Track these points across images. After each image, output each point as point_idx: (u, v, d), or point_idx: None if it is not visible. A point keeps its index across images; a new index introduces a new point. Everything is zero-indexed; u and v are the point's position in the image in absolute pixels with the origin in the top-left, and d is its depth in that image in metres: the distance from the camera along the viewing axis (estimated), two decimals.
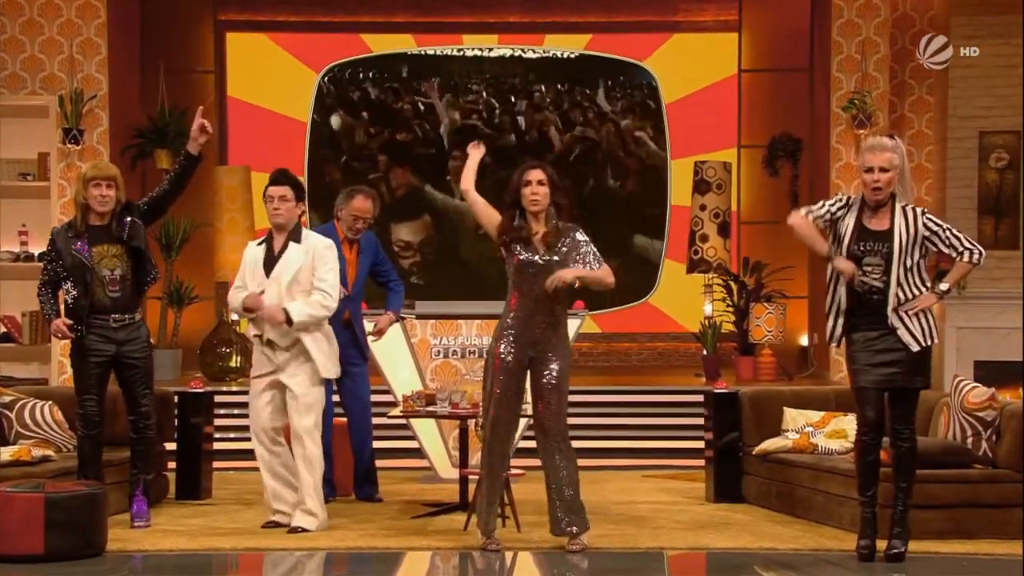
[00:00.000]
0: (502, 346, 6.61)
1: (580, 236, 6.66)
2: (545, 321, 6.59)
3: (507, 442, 6.74)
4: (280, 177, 7.27)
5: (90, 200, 7.18)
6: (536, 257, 6.58)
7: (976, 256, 6.40)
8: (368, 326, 8.22)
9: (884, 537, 6.42)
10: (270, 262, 7.18)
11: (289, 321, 7.03)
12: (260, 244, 7.30)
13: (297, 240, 7.19)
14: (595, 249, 6.67)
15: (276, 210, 7.20)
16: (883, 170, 6.35)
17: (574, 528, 6.63)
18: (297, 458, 7.18)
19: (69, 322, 7.15)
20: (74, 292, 7.18)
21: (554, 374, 6.60)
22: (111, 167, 7.37)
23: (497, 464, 6.68)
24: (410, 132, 13.50)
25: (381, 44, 13.36)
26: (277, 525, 7.19)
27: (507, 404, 6.61)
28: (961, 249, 6.40)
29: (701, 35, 13.31)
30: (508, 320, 6.64)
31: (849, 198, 6.51)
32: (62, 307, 7.25)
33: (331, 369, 7.25)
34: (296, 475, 7.17)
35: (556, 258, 6.58)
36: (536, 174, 6.67)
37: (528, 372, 6.64)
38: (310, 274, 7.14)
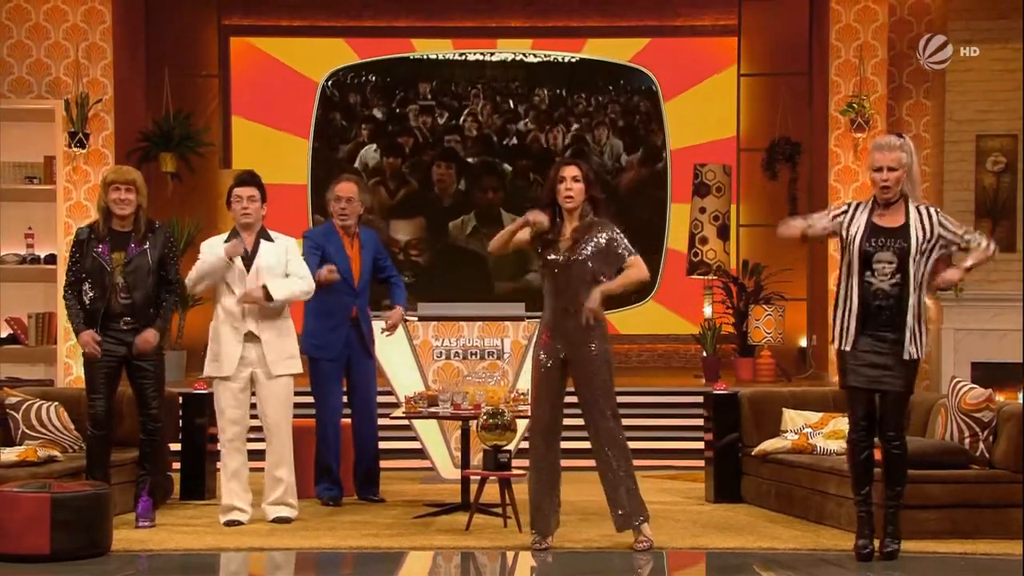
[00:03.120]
0: (539, 349, 6.61)
1: (608, 234, 6.54)
2: (577, 321, 6.47)
3: (549, 440, 6.61)
4: (247, 178, 7.48)
5: (110, 203, 7.32)
6: (559, 257, 6.53)
7: (993, 248, 6.46)
8: (376, 325, 8.23)
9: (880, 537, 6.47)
10: (245, 259, 7.34)
11: (269, 297, 7.24)
12: (226, 242, 7.40)
13: (269, 239, 7.43)
14: (626, 243, 6.56)
15: (245, 210, 7.38)
16: (891, 169, 6.37)
17: (632, 518, 6.56)
18: (275, 451, 7.35)
19: (99, 338, 7.26)
20: (91, 294, 7.31)
21: (594, 373, 6.51)
22: (131, 171, 7.49)
23: (542, 462, 6.59)
24: (410, 136, 13.57)
25: (423, 47, 13.46)
26: (238, 524, 7.28)
27: (545, 403, 6.57)
28: (980, 241, 6.44)
29: (701, 39, 13.39)
30: (544, 320, 6.64)
31: (856, 204, 6.52)
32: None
33: (293, 365, 7.42)
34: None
35: (577, 258, 6.49)
36: (571, 170, 6.57)
37: (569, 371, 6.57)
38: (285, 269, 7.40)
